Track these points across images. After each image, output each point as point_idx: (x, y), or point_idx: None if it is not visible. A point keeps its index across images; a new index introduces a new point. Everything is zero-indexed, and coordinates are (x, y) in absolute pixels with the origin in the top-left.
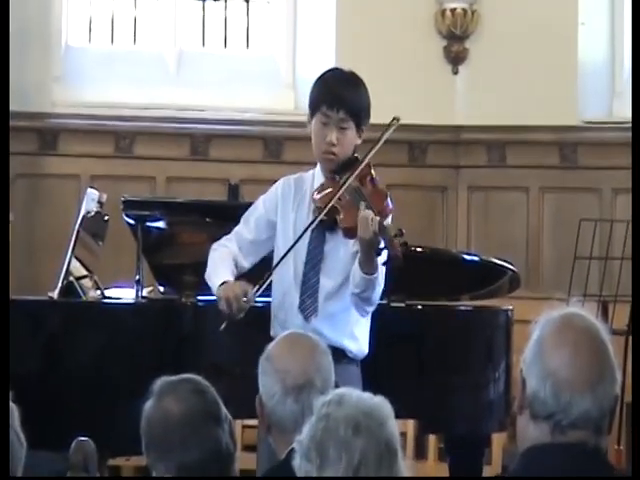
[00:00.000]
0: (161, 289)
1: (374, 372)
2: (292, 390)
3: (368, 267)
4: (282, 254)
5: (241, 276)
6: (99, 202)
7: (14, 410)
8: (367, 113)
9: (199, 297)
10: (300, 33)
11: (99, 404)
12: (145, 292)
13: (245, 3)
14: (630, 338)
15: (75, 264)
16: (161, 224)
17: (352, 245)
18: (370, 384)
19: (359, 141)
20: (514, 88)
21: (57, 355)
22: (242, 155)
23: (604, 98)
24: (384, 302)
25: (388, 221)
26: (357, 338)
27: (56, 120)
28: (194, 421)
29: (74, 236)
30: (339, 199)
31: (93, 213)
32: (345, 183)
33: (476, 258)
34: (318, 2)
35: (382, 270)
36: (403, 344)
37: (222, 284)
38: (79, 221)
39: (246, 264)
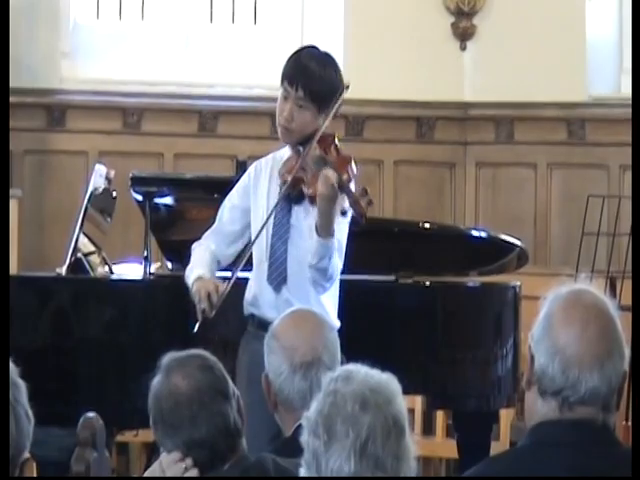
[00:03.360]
0: (169, 265)
1: (382, 348)
2: (300, 367)
3: (325, 229)
4: (254, 232)
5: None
6: (107, 178)
7: (22, 386)
8: (330, 95)
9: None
10: (308, 9)
11: (107, 379)
12: (153, 268)
13: None
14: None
15: (83, 240)
16: (169, 200)
17: (315, 216)
18: (378, 360)
19: (321, 122)
20: (522, 65)
21: (65, 331)
22: (250, 131)
23: (612, 74)
24: (392, 278)
25: (352, 185)
26: (327, 312)
27: (64, 96)
28: (202, 397)
29: (82, 212)
30: (303, 169)
31: (101, 189)
32: (306, 153)
33: (484, 234)
34: None
35: (341, 241)
36: (411, 320)
37: (196, 280)
38: (87, 197)
39: (230, 252)
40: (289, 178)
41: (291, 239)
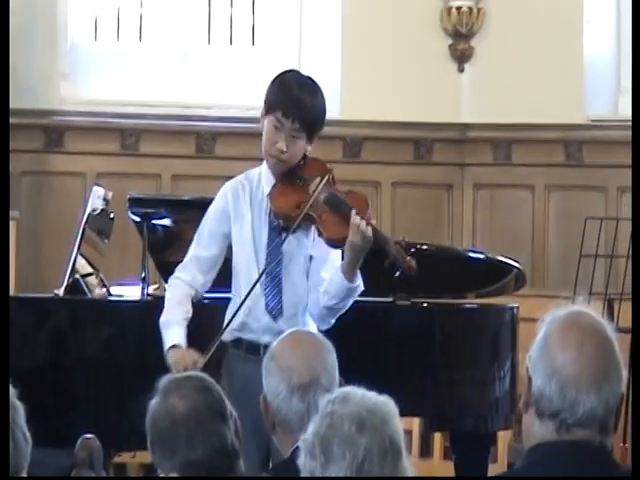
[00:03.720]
0: (166, 286)
1: (379, 369)
2: (298, 389)
3: (353, 274)
4: (241, 261)
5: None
6: (105, 199)
7: (20, 408)
8: (321, 123)
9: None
10: (306, 31)
11: (105, 400)
12: (151, 289)
13: (251, 0)
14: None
15: (81, 261)
16: (167, 222)
17: (310, 247)
18: (375, 381)
19: (309, 148)
20: (520, 86)
21: (63, 352)
22: (248, 153)
23: (610, 96)
24: (389, 300)
25: (385, 237)
26: None
27: (62, 117)
28: (199, 418)
29: (80, 233)
30: (311, 206)
31: (99, 210)
32: (315, 190)
33: (482, 256)
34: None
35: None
36: (408, 341)
37: (172, 347)
38: (85, 218)
39: (209, 278)
40: (292, 214)
41: (285, 269)
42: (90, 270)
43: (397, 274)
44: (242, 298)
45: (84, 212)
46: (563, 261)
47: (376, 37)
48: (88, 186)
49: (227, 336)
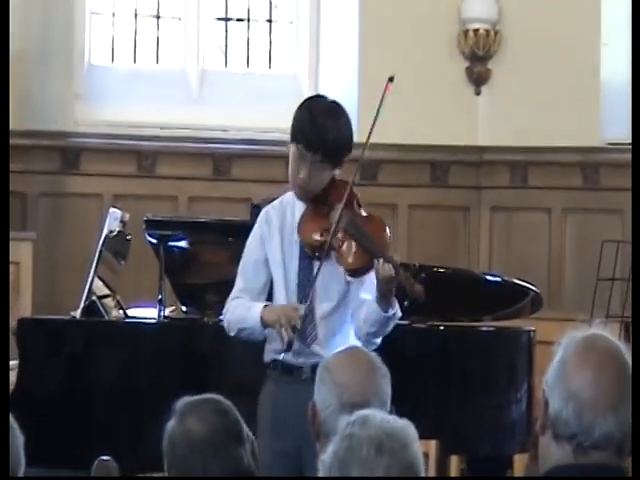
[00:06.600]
0: (183, 308)
1: (396, 392)
2: (348, 407)
3: (386, 305)
4: (275, 283)
5: None
6: (121, 221)
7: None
8: (347, 150)
9: (221, 317)
10: (323, 53)
11: (122, 422)
12: (167, 311)
13: (268, 23)
14: None
15: (98, 283)
16: (183, 244)
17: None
18: (392, 404)
19: (337, 172)
20: (536, 109)
21: (79, 374)
22: (264, 175)
23: (627, 119)
24: (406, 322)
25: (397, 258)
26: None
27: (78, 139)
28: (216, 441)
29: (97, 255)
30: (334, 234)
31: (115, 232)
32: (338, 222)
33: (498, 279)
34: (341, 22)
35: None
36: (425, 364)
37: (265, 309)
38: (102, 240)
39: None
40: (317, 244)
41: (316, 297)
42: (107, 292)
43: (405, 302)
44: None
45: (101, 234)
46: (580, 284)
47: (393, 60)
48: (105, 208)
49: (266, 357)
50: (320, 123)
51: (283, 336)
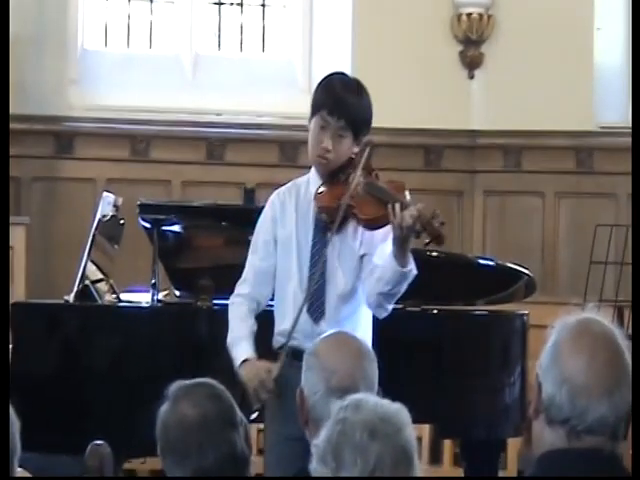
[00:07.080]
0: (177, 293)
1: (389, 376)
2: (336, 392)
3: (405, 259)
4: (283, 262)
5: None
6: (115, 206)
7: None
8: (367, 124)
9: (214, 301)
10: (316, 37)
11: (115, 407)
12: (161, 296)
13: (261, 7)
14: None
15: (91, 268)
16: (177, 228)
17: (358, 248)
18: (385, 388)
19: (356, 149)
20: (530, 93)
21: (73, 358)
22: (258, 159)
23: (620, 103)
24: (400, 306)
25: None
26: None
27: (72, 123)
28: (209, 425)
29: (90, 240)
30: (351, 196)
31: (109, 217)
32: (354, 180)
33: (492, 263)
34: (334, 6)
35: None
36: (419, 349)
37: (244, 362)
38: (95, 225)
39: (269, 289)
40: (335, 205)
41: (328, 272)
42: (100, 276)
43: (427, 241)
44: (286, 303)
45: (94, 218)
46: (573, 268)
47: (386, 44)
48: (98, 192)
49: (274, 343)
50: (340, 92)
51: (253, 398)
